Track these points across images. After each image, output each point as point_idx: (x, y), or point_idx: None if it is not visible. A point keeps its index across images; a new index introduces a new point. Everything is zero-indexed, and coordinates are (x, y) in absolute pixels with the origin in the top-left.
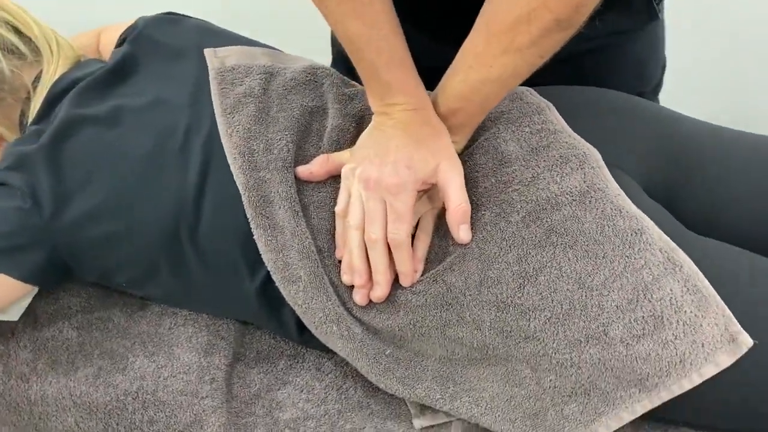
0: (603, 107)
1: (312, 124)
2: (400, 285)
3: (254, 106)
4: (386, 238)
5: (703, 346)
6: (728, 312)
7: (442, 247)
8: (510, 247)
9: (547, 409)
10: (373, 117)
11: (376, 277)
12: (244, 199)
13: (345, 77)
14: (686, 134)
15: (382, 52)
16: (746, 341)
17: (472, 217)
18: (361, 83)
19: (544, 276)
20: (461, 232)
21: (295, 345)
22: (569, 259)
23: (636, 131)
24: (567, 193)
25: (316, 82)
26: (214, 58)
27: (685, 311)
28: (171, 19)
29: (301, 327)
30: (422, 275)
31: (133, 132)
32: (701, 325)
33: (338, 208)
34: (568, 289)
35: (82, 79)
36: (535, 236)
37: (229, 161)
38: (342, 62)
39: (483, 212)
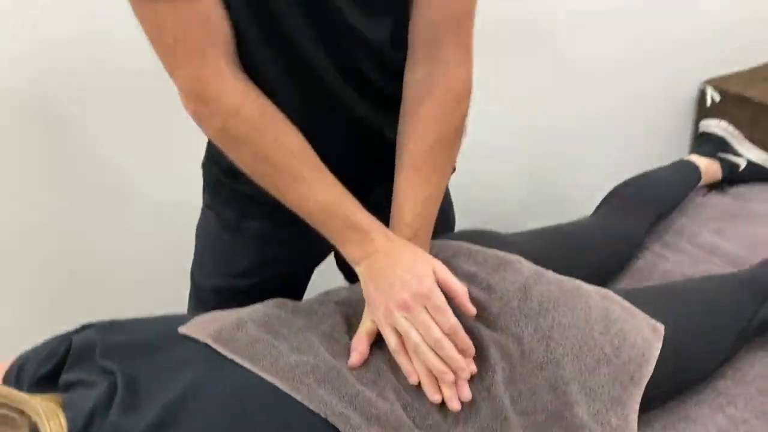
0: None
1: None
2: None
3: (269, 346)
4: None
5: (646, 339)
6: (643, 314)
7: None
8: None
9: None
10: (361, 269)
11: (458, 369)
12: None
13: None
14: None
15: (336, 202)
16: (661, 328)
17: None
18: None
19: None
20: (470, 309)
21: None
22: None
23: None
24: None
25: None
26: (199, 330)
27: (627, 321)
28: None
29: None
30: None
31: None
32: (640, 327)
33: (393, 346)
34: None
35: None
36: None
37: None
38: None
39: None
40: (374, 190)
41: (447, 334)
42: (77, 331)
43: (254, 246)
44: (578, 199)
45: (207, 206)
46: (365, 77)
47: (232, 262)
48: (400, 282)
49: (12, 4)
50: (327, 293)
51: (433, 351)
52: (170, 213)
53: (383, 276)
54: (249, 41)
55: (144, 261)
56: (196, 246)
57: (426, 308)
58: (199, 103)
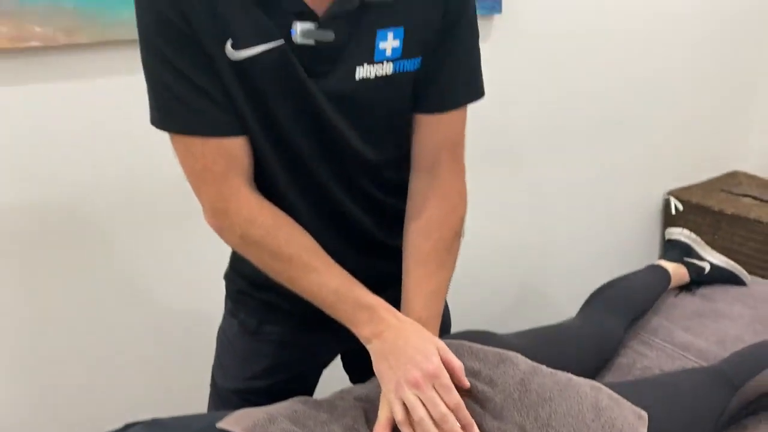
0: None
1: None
2: None
3: None
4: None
5: (632, 425)
6: (629, 403)
7: None
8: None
9: None
10: (373, 347)
11: None
12: None
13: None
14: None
15: (351, 287)
16: (645, 415)
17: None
18: None
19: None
20: (465, 383)
21: None
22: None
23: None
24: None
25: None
26: (236, 425)
27: (614, 409)
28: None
29: None
30: None
31: None
32: (626, 414)
33: (399, 418)
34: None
35: None
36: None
37: None
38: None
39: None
40: (381, 294)
41: (452, 410)
42: (122, 430)
43: (272, 349)
44: (562, 302)
45: (230, 313)
46: (366, 193)
47: (251, 364)
48: (411, 361)
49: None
50: (344, 390)
51: (436, 426)
52: (185, 319)
53: (394, 355)
54: (265, 158)
55: (159, 362)
56: (216, 349)
57: (433, 386)
58: (220, 217)
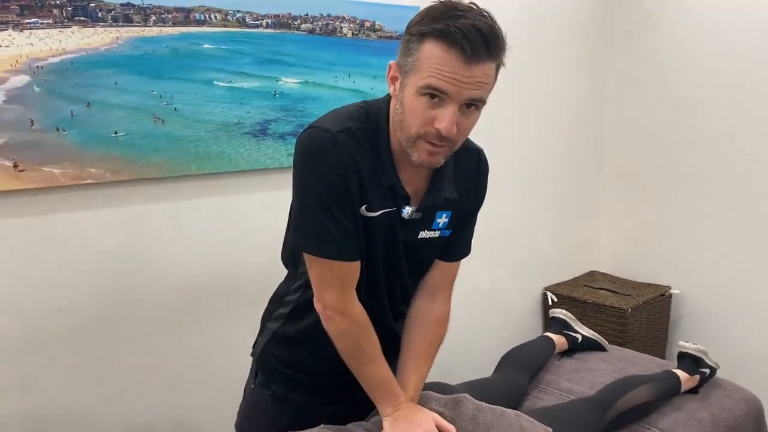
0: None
1: None
2: None
3: None
4: None
5: None
6: (540, 423)
7: None
8: None
9: None
10: (388, 418)
11: None
12: None
13: None
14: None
15: (389, 379)
16: (550, 429)
17: None
18: None
19: None
20: None
21: None
22: None
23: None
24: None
25: None
26: None
27: (532, 428)
28: None
29: None
30: None
31: None
32: (539, 430)
33: None
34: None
35: None
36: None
37: None
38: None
39: None
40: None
41: None
42: None
43: (295, 413)
44: (484, 365)
45: (261, 384)
46: (395, 304)
47: (275, 425)
48: (415, 425)
49: (99, 244)
50: (353, 424)
51: None
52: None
53: (401, 423)
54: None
55: None
56: (244, 411)
57: None
58: (335, 313)
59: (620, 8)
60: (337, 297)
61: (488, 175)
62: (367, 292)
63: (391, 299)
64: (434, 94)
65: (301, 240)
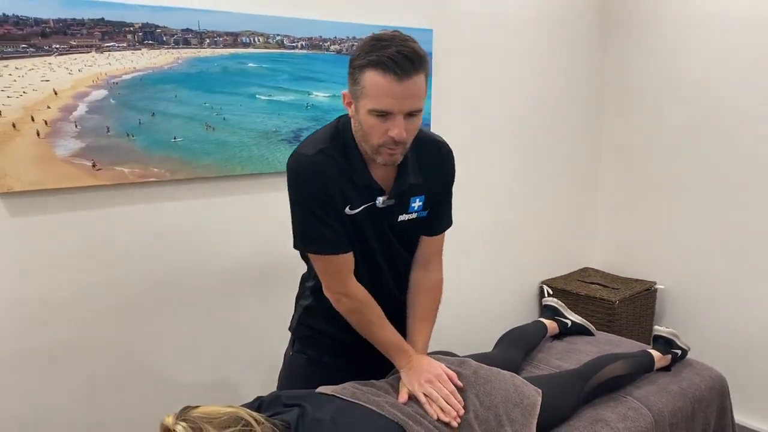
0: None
1: None
2: None
3: None
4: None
5: (534, 396)
6: (532, 385)
7: None
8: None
9: None
10: (403, 369)
11: (455, 407)
12: None
13: None
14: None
15: (397, 339)
16: (540, 391)
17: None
18: None
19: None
20: (459, 383)
21: None
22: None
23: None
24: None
25: None
26: (329, 391)
27: (525, 387)
28: None
29: None
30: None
31: None
32: (531, 390)
33: (423, 400)
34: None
35: None
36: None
37: None
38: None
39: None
40: (391, 319)
41: (450, 393)
42: (254, 401)
43: (327, 372)
44: (486, 349)
45: (297, 351)
46: (399, 274)
47: (311, 383)
48: (426, 372)
49: (162, 230)
50: (377, 380)
51: (443, 400)
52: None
53: (416, 371)
54: (356, 260)
55: None
56: (284, 375)
57: (439, 381)
58: (341, 296)
59: (618, 15)
60: (339, 283)
61: (452, 160)
62: (368, 275)
63: (396, 274)
64: (382, 113)
65: (302, 244)
